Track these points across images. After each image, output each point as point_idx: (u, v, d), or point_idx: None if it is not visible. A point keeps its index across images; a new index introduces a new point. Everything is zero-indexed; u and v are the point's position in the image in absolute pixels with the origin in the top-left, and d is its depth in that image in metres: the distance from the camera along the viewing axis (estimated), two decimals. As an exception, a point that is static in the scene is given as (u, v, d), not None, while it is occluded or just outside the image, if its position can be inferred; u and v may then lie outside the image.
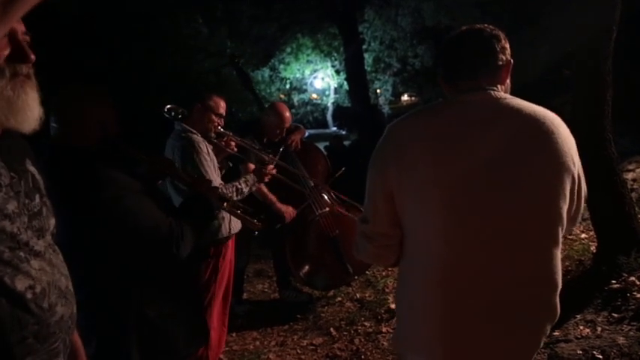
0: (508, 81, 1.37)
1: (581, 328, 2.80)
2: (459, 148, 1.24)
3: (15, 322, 1.02)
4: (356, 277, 4.05)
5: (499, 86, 1.33)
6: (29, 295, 1.05)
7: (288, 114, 3.63)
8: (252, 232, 2.47)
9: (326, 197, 3.86)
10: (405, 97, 25.36)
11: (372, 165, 1.38)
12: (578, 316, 2.91)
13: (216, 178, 2.66)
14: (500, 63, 1.31)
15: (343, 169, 3.65)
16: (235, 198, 2.69)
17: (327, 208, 3.79)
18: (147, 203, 1.74)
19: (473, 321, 1.27)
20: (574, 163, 1.26)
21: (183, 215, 1.86)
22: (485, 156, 1.22)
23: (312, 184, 3.77)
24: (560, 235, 1.28)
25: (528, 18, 8.15)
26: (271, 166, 3.05)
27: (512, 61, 1.34)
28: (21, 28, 1.08)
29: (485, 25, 1.34)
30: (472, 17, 9.53)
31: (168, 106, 2.69)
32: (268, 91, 14.24)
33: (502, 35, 1.33)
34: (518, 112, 1.25)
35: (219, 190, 2.14)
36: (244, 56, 12.02)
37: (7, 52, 1.04)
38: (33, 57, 1.08)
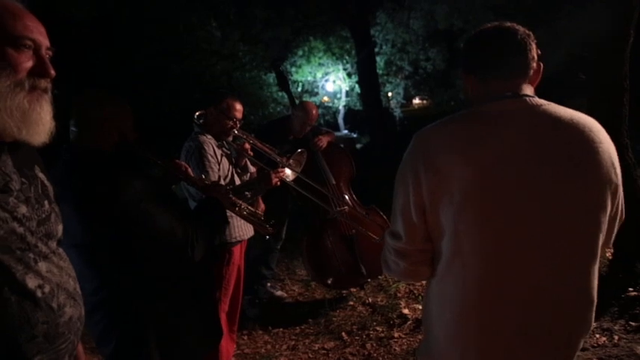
0: None
1: (598, 336, 2.77)
2: (495, 162, 1.17)
3: (24, 320, 1.04)
4: (369, 280, 4.06)
5: (530, 88, 1.27)
6: (39, 294, 1.08)
7: (315, 112, 3.88)
8: (264, 236, 2.51)
9: (346, 197, 3.94)
10: (416, 101, 25.27)
11: (401, 178, 1.29)
12: (594, 324, 2.87)
13: (216, 178, 2.68)
14: (534, 64, 1.27)
15: None
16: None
17: (346, 207, 3.84)
18: (163, 206, 1.77)
19: (510, 339, 1.22)
20: (616, 174, 1.21)
21: (197, 218, 1.89)
22: (524, 169, 1.16)
23: (334, 183, 3.88)
24: (599, 249, 1.22)
25: (542, 21, 8.09)
26: (282, 171, 2.95)
27: (541, 64, 1.29)
28: (45, 43, 1.11)
29: (514, 24, 1.28)
30: (485, 20, 9.44)
31: (198, 113, 2.75)
32: (280, 94, 14.25)
33: (532, 37, 1.27)
34: (557, 122, 1.19)
35: (231, 195, 2.15)
36: (256, 59, 12.05)
37: (29, 65, 1.07)
38: (53, 72, 1.11)
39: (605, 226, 1.22)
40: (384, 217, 3.89)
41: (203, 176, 2.34)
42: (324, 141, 3.96)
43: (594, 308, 1.26)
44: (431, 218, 1.25)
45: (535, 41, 1.27)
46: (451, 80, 14.05)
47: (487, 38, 1.29)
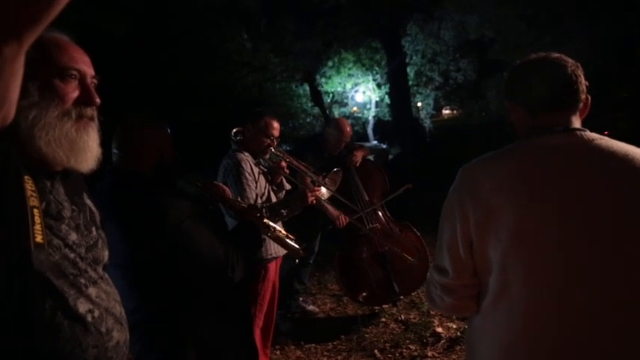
0: None
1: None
2: (545, 198, 1.14)
3: (76, 344, 1.06)
4: (401, 297, 4.02)
5: (579, 121, 1.24)
6: (89, 319, 1.10)
7: (348, 129, 3.87)
8: (294, 259, 2.51)
9: (380, 214, 3.92)
10: (446, 111, 25.07)
11: (447, 213, 1.27)
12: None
13: (254, 196, 2.71)
14: (584, 97, 1.24)
15: (410, 185, 3.58)
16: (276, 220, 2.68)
17: (379, 224, 3.82)
18: (203, 228, 1.79)
19: None
20: None
21: (236, 240, 1.91)
22: (576, 206, 1.13)
23: (367, 199, 3.86)
24: None
25: (577, 32, 7.92)
26: (318, 190, 2.94)
27: (589, 97, 1.26)
28: (90, 72, 1.14)
29: (562, 54, 1.26)
30: (517, 31, 9.35)
31: (235, 130, 2.78)
32: (310, 104, 14.34)
33: (581, 68, 1.24)
34: (611, 157, 1.15)
35: (265, 219, 2.16)
36: (286, 71, 12.19)
37: (75, 94, 1.10)
38: (98, 101, 1.14)
39: None
40: (418, 234, 3.86)
41: (239, 199, 2.37)
42: (359, 157, 3.95)
43: None
44: (478, 253, 1.22)
45: (583, 72, 1.24)
46: (482, 91, 13.92)
47: (535, 70, 1.26)
